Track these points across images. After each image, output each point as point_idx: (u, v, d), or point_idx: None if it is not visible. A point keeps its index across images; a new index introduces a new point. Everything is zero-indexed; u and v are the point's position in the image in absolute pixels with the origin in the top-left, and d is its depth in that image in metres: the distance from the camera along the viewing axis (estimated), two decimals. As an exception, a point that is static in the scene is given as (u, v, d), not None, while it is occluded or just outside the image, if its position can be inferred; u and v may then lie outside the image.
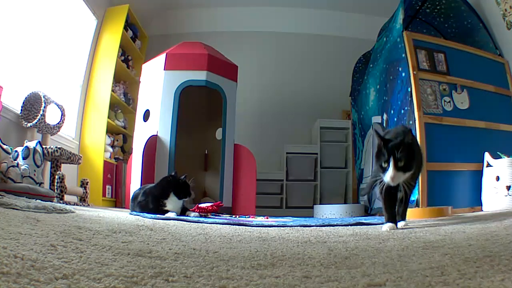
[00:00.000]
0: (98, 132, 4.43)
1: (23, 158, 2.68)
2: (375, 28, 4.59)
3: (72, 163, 3.41)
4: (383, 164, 1.49)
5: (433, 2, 3.85)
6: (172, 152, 3.65)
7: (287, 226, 1.86)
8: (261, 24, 6.01)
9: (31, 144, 2.79)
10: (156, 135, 3.70)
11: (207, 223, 1.92)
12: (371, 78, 4.18)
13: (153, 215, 2.25)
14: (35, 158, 2.74)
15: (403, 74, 3.23)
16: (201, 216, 2.56)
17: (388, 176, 1.47)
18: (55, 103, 3.38)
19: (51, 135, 3.45)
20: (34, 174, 2.68)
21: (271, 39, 6.02)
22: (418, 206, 2.83)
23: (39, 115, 3.17)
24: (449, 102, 3.17)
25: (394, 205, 1.69)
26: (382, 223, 1.62)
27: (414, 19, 4.03)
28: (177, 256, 0.79)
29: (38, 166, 2.75)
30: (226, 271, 0.63)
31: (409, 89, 3.10)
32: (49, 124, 3.28)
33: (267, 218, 2.88)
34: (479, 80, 3.34)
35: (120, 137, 5.02)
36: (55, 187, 2.97)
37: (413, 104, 3.03)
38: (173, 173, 2.72)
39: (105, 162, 4.40)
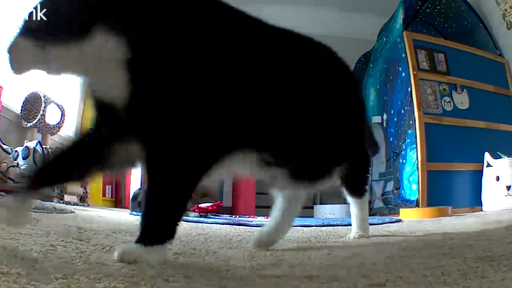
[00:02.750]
0: (98, 132, 4.42)
1: (23, 158, 2.68)
2: (375, 28, 4.59)
3: (72, 163, 3.40)
4: None
5: (433, 2, 3.84)
6: (172, 152, 3.64)
7: (287, 226, 1.86)
8: (261, 24, 6.00)
9: (31, 144, 2.79)
10: (156, 135, 3.69)
11: (207, 223, 1.92)
12: (371, 78, 4.18)
13: (153, 215, 2.24)
14: (35, 158, 2.73)
15: (403, 74, 3.23)
16: (201, 216, 2.56)
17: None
18: (55, 103, 3.38)
19: (51, 135, 3.45)
20: (34, 174, 2.67)
21: (271, 39, 6.01)
22: (418, 206, 2.83)
23: (39, 115, 3.17)
24: (449, 102, 3.17)
25: None
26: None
27: (414, 19, 4.02)
28: (177, 256, 0.79)
29: (38, 166, 2.75)
30: (226, 271, 0.63)
31: (409, 89, 3.10)
32: (49, 124, 3.28)
33: (267, 218, 2.88)
34: (479, 80, 3.34)
35: (120, 137, 5.02)
36: (55, 187, 2.97)
37: (413, 104, 3.03)
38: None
39: (105, 162, 4.39)
